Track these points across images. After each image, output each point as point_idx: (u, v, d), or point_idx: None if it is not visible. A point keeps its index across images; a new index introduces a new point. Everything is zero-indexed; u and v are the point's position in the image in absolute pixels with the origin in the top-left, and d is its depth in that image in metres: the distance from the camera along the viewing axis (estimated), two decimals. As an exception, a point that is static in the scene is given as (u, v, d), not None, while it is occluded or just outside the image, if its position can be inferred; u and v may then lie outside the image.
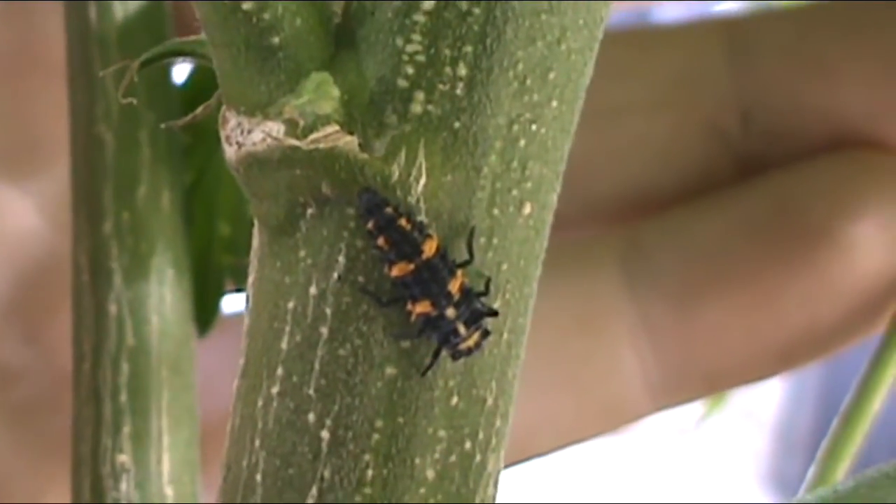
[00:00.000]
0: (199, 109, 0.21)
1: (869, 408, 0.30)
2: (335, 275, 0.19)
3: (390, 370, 0.19)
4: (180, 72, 0.29)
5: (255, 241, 0.20)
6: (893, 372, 0.30)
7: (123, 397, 0.27)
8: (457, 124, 0.19)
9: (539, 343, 0.32)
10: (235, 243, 0.28)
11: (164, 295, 0.27)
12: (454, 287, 0.19)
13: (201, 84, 0.27)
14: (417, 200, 0.19)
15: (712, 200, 0.32)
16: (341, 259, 0.19)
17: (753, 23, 0.32)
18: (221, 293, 0.29)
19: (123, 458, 0.27)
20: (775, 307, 0.31)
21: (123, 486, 0.27)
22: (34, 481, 0.31)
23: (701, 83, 0.32)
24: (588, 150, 0.32)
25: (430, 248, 0.19)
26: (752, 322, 0.31)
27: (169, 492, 0.27)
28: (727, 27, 0.32)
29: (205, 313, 0.29)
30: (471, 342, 0.19)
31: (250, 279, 0.20)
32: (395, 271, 0.19)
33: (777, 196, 0.31)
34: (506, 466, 0.32)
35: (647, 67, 0.32)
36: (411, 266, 0.19)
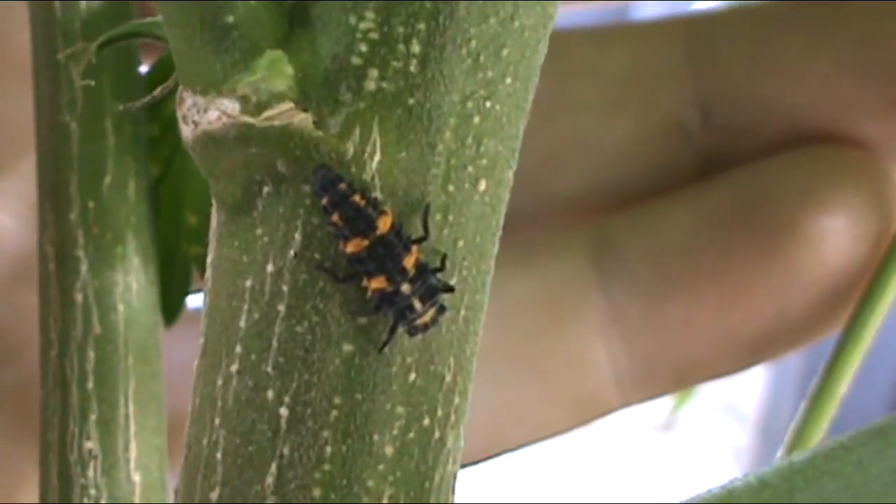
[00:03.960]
0: (157, 90, 0.21)
1: (835, 390, 0.30)
2: (292, 252, 0.19)
3: (348, 347, 0.19)
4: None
5: (214, 221, 0.20)
6: (859, 356, 0.30)
7: (90, 385, 0.27)
8: (411, 101, 0.19)
9: (510, 337, 0.32)
10: (202, 233, 0.28)
11: (130, 283, 0.27)
12: (409, 263, 0.19)
13: (166, 72, 0.28)
14: (372, 177, 0.19)
15: (681, 195, 0.32)
16: (297, 236, 0.19)
17: (713, 21, 0.32)
18: (188, 283, 0.29)
19: (91, 444, 0.27)
20: (744, 300, 0.31)
21: (91, 472, 0.27)
22: (6, 478, 0.31)
23: (661, 79, 0.32)
24: (551, 146, 0.32)
25: (384, 225, 0.19)
26: (721, 315, 0.31)
27: (136, 478, 0.27)
28: (687, 25, 0.32)
29: (172, 303, 0.29)
30: (427, 318, 0.19)
31: (209, 259, 0.20)
32: (350, 247, 0.19)
33: (745, 190, 0.31)
34: (478, 461, 0.33)
35: (608, 64, 0.33)
36: (366, 242, 0.19)
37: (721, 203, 0.31)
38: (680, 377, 0.32)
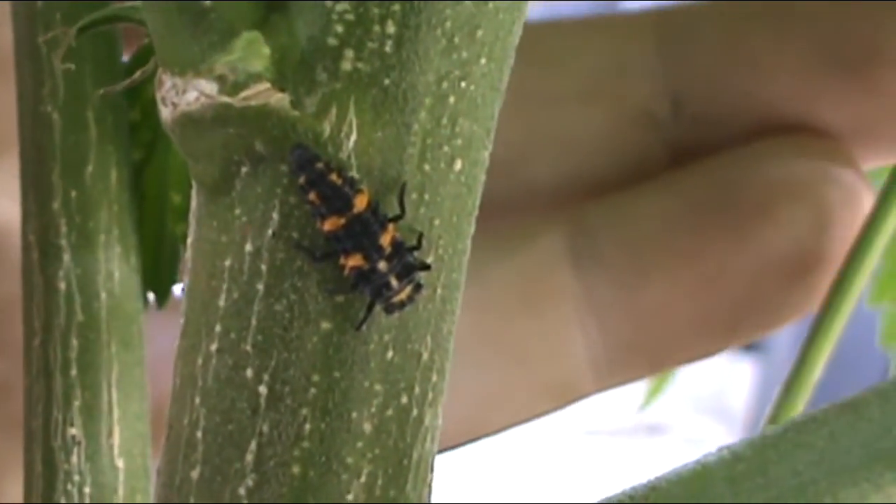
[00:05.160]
0: (137, 74, 0.21)
1: (809, 377, 0.30)
2: (270, 231, 0.19)
3: (325, 325, 0.19)
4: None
5: (193, 203, 0.21)
6: (833, 339, 0.30)
7: (74, 372, 0.27)
8: (386, 81, 0.19)
9: (487, 323, 0.33)
10: (187, 211, 0.29)
11: (113, 271, 0.28)
12: (385, 241, 0.19)
13: (147, 60, 0.28)
14: (349, 156, 0.19)
15: (654, 183, 0.33)
16: (275, 216, 0.19)
17: (684, 14, 0.33)
18: (177, 262, 0.29)
19: (74, 431, 0.27)
20: (718, 284, 0.32)
21: (74, 458, 0.27)
22: None
23: (632, 71, 0.33)
24: (525, 137, 0.33)
25: (360, 203, 0.19)
26: (695, 299, 0.32)
27: (120, 464, 0.27)
28: (659, 18, 0.33)
29: (161, 283, 0.29)
30: (403, 295, 0.19)
31: (189, 240, 0.21)
32: (327, 225, 0.19)
33: (718, 177, 0.32)
34: (458, 446, 0.33)
35: (581, 56, 0.33)
36: (342, 220, 0.19)
37: (694, 190, 0.32)
38: (656, 361, 0.33)
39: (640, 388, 0.42)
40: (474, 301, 0.32)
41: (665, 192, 0.32)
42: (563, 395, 0.33)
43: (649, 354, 0.33)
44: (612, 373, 0.33)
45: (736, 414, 1.48)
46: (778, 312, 0.32)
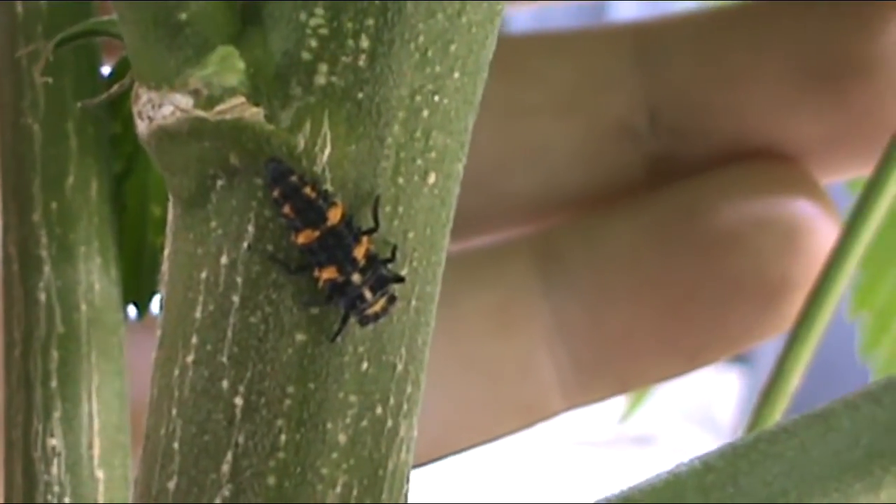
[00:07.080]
0: (114, 88, 0.21)
1: (786, 387, 0.31)
2: (245, 244, 0.20)
3: (300, 336, 0.20)
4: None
5: (170, 215, 0.21)
6: (809, 350, 0.31)
7: (54, 383, 0.27)
8: (360, 95, 0.19)
9: (457, 343, 0.33)
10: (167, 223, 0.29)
11: (93, 283, 0.28)
12: (359, 253, 0.19)
13: (126, 73, 0.28)
14: (323, 170, 0.19)
15: (625, 207, 0.33)
16: (250, 229, 0.20)
17: (662, 26, 0.33)
18: (157, 273, 0.29)
19: (54, 442, 0.27)
20: (684, 310, 0.32)
21: (55, 469, 0.27)
22: None
23: (610, 84, 0.33)
24: (501, 150, 0.33)
25: (334, 216, 0.19)
26: (661, 324, 0.32)
27: (100, 475, 0.27)
28: (636, 30, 0.33)
29: (141, 294, 0.29)
30: (377, 307, 0.20)
31: (166, 252, 0.21)
32: (301, 238, 0.19)
33: (687, 204, 0.33)
34: (426, 462, 0.33)
35: (559, 69, 0.34)
36: (316, 233, 0.19)
37: (663, 216, 0.33)
38: (622, 382, 0.34)
39: (628, 398, 0.42)
40: (444, 322, 0.32)
41: (635, 218, 0.33)
42: (531, 415, 0.34)
43: (616, 376, 0.33)
44: (580, 393, 0.33)
45: (723, 424, 1.49)
46: (743, 337, 0.33)
